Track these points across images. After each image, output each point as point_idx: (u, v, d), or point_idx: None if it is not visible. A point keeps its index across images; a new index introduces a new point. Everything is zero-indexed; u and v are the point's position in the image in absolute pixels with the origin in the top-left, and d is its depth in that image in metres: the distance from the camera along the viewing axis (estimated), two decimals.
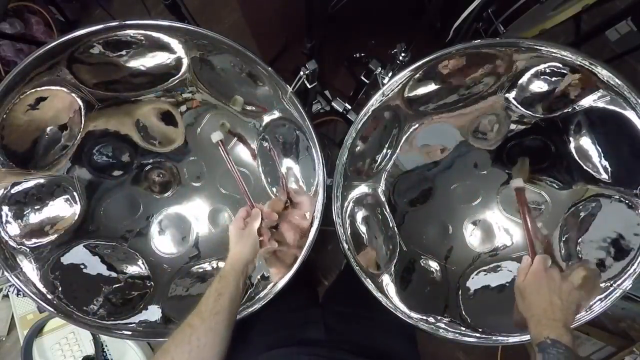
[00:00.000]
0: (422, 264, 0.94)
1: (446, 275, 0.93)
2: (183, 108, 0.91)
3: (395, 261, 0.89)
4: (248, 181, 0.97)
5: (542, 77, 0.77)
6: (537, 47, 0.69)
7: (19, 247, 0.75)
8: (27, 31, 1.49)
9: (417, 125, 0.90)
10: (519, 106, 0.83)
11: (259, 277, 0.89)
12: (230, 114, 0.91)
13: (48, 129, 0.77)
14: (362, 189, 0.92)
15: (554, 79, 0.76)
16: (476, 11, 0.91)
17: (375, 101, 0.74)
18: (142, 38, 0.73)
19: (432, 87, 0.81)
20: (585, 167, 0.81)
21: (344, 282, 1.14)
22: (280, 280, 0.80)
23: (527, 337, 0.77)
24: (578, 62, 0.68)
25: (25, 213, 0.77)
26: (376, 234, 0.92)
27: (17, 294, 1.09)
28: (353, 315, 0.86)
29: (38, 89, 0.72)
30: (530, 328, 0.63)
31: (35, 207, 0.79)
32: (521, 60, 0.74)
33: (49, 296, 0.75)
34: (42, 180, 0.79)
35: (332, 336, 0.78)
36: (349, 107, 1.35)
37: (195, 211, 0.99)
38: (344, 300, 0.95)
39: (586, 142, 0.79)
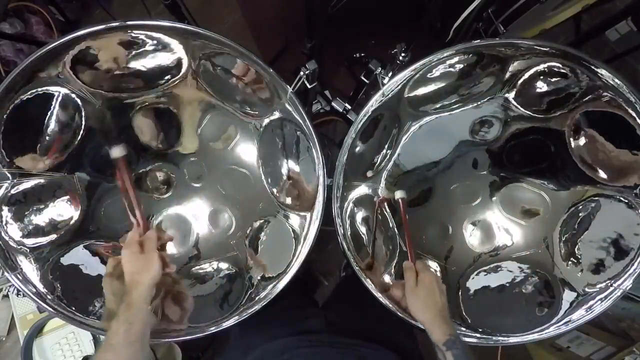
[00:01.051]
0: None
1: (446, 276, 0.93)
2: (183, 108, 0.91)
3: (395, 261, 0.89)
4: (248, 182, 0.97)
5: (541, 77, 0.77)
6: (537, 47, 0.69)
7: (19, 247, 0.75)
8: (27, 31, 1.49)
9: (417, 125, 0.90)
10: (518, 106, 0.83)
11: (259, 277, 0.89)
12: (230, 114, 0.91)
13: (49, 129, 0.77)
14: (362, 189, 0.92)
15: (553, 79, 0.76)
16: (476, 11, 0.91)
17: (375, 101, 0.74)
18: (143, 38, 0.73)
19: (432, 87, 0.81)
20: (585, 167, 0.81)
21: (343, 288, 1.14)
22: (278, 281, 0.80)
23: (527, 338, 0.77)
24: (578, 63, 0.69)
25: (25, 213, 0.77)
26: (376, 234, 0.92)
27: (17, 294, 1.09)
28: (353, 310, 0.86)
29: (38, 89, 0.72)
30: (432, 329, 0.66)
31: (36, 208, 0.78)
32: (521, 60, 0.74)
33: (49, 296, 0.74)
34: (42, 181, 0.79)
35: (333, 327, 0.78)
36: (349, 107, 1.36)
37: (196, 212, 0.99)
38: (344, 301, 0.96)
39: (586, 141, 0.79)
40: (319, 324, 0.80)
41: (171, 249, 0.95)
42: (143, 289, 0.62)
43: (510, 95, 0.82)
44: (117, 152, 0.68)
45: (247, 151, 0.96)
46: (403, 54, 0.90)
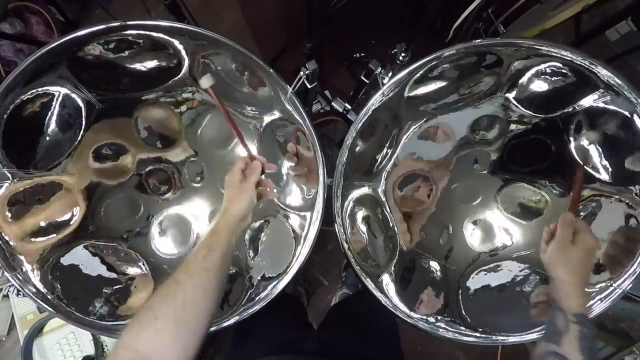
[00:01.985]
0: (422, 264, 0.94)
1: (446, 275, 0.93)
2: (183, 108, 0.91)
3: (395, 261, 0.89)
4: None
5: (542, 77, 0.77)
6: (537, 47, 0.69)
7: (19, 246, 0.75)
8: (27, 31, 1.49)
9: (417, 125, 0.90)
10: (519, 106, 0.83)
11: (259, 277, 0.89)
12: (230, 113, 0.91)
13: (49, 129, 0.77)
14: (362, 188, 0.92)
15: (553, 78, 0.76)
16: (476, 11, 0.91)
17: (375, 101, 0.74)
18: (143, 38, 0.73)
19: (432, 87, 0.81)
20: (585, 167, 0.81)
21: (338, 310, 1.15)
22: (278, 281, 0.81)
23: (527, 337, 0.77)
24: (578, 62, 0.68)
25: (25, 213, 0.77)
26: (376, 233, 0.92)
27: (17, 294, 1.09)
28: (348, 334, 0.87)
29: (39, 89, 0.72)
30: (570, 294, 0.59)
31: (36, 208, 0.79)
32: (521, 60, 0.74)
33: (49, 296, 0.74)
34: (42, 181, 0.79)
35: (325, 350, 0.78)
36: (349, 107, 1.35)
37: (196, 212, 0.99)
38: (339, 324, 0.96)
39: (586, 142, 0.79)
40: (311, 345, 0.80)
41: (171, 249, 0.95)
42: (229, 218, 0.63)
43: (511, 95, 0.82)
44: (205, 82, 0.64)
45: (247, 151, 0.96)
46: (403, 54, 0.90)
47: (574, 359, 0.52)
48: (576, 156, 0.81)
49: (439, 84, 0.81)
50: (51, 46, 0.66)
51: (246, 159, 0.70)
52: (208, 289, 0.55)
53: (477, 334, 0.79)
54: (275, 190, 0.71)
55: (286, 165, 0.92)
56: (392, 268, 0.88)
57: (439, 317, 0.83)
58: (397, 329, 0.89)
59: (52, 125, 0.77)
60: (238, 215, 0.64)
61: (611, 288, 0.73)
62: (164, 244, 0.95)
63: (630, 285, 0.72)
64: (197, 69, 0.81)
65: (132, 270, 0.88)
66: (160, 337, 0.49)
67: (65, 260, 0.80)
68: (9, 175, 0.74)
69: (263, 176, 0.71)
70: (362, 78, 1.12)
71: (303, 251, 0.82)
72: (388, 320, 0.87)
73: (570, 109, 0.78)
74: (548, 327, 0.57)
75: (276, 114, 0.87)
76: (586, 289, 0.61)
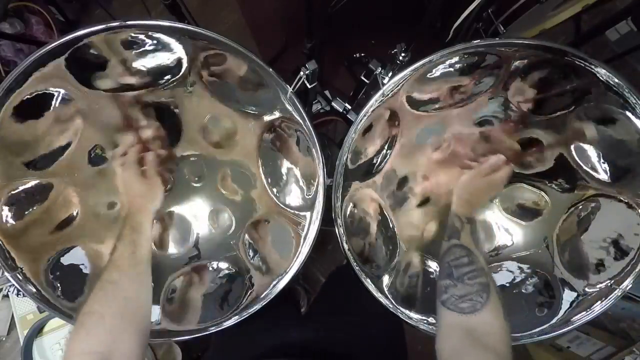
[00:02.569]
0: (422, 264, 0.94)
1: None
2: (183, 108, 0.91)
3: (395, 261, 0.89)
4: (247, 181, 0.97)
5: (541, 77, 0.77)
6: (537, 47, 0.69)
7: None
8: (27, 31, 1.50)
9: (417, 125, 0.90)
10: (519, 106, 0.83)
11: (259, 277, 0.89)
12: (230, 113, 0.91)
13: (48, 129, 0.77)
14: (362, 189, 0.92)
15: (553, 78, 0.76)
16: (476, 11, 0.91)
17: (375, 101, 0.74)
18: (143, 38, 0.73)
19: (432, 87, 0.81)
20: (585, 167, 0.81)
21: (325, 294, 1.15)
22: (278, 281, 0.81)
23: (527, 337, 0.77)
24: (578, 62, 0.68)
25: (25, 213, 0.77)
26: (376, 234, 0.92)
27: (17, 294, 1.09)
28: (334, 322, 0.87)
29: (38, 89, 0.72)
30: (463, 206, 0.76)
31: (35, 208, 0.78)
32: (521, 60, 0.74)
33: (49, 296, 0.74)
34: (42, 181, 0.79)
35: (309, 342, 0.79)
36: (349, 107, 1.35)
37: (196, 212, 0.99)
38: (326, 310, 0.96)
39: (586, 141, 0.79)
40: (298, 335, 0.80)
41: (171, 249, 0.95)
42: (148, 214, 0.65)
43: (511, 95, 0.82)
44: None
45: (247, 151, 0.96)
46: (403, 54, 0.90)
47: (469, 245, 0.67)
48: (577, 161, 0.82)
49: (439, 84, 0.81)
50: (51, 46, 0.66)
51: (137, 149, 0.71)
52: (143, 281, 0.58)
53: None
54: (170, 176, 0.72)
55: (286, 165, 0.92)
56: (392, 268, 0.88)
57: None
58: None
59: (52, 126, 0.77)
60: (153, 212, 0.66)
61: (611, 288, 0.73)
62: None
63: (630, 285, 0.72)
64: (197, 68, 0.81)
65: None
66: (113, 334, 0.50)
67: (65, 260, 0.80)
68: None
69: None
70: (362, 78, 1.12)
71: (303, 251, 0.82)
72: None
73: (569, 109, 0.78)
74: (449, 230, 0.71)
75: (276, 114, 0.87)
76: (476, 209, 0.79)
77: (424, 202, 0.99)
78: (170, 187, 0.96)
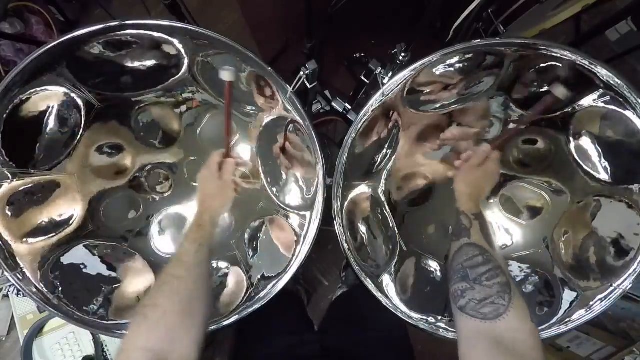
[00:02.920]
0: (422, 264, 0.94)
1: (446, 275, 0.93)
2: (183, 108, 0.91)
3: (395, 261, 0.89)
4: (245, 178, 0.97)
5: (542, 76, 0.77)
6: (537, 47, 0.69)
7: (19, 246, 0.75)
8: (27, 31, 1.49)
9: (417, 125, 0.90)
10: (519, 106, 0.83)
11: (259, 277, 0.89)
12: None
13: (48, 129, 0.77)
14: (362, 189, 0.92)
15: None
16: (476, 11, 0.91)
17: (375, 101, 0.74)
18: (143, 38, 0.73)
19: (432, 87, 0.81)
20: (585, 167, 0.81)
21: (338, 307, 1.15)
22: (278, 280, 0.81)
23: None
24: (578, 62, 0.68)
25: (25, 213, 0.77)
26: (376, 233, 0.92)
27: (17, 294, 1.09)
28: (350, 334, 0.87)
29: (38, 89, 0.72)
30: (466, 202, 0.72)
31: (36, 207, 0.78)
32: (521, 60, 0.74)
33: (49, 296, 0.74)
34: (42, 181, 0.79)
35: (327, 352, 0.79)
36: (349, 107, 1.35)
37: (196, 211, 0.99)
38: (340, 322, 0.96)
39: (586, 142, 0.79)
40: (313, 350, 0.80)
41: (171, 248, 0.95)
42: (215, 215, 0.66)
43: (511, 95, 0.82)
44: (226, 75, 0.66)
45: (247, 151, 0.96)
46: (403, 54, 0.90)
47: (481, 242, 0.62)
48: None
49: (439, 83, 0.81)
50: (51, 46, 0.66)
51: (221, 153, 0.73)
52: (205, 281, 0.58)
53: None
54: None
55: (285, 164, 0.92)
56: (392, 268, 0.88)
57: (439, 318, 0.83)
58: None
59: (52, 125, 0.77)
60: (221, 211, 0.67)
61: (611, 288, 0.73)
62: (163, 243, 0.95)
63: (630, 285, 0.72)
64: (196, 68, 0.81)
65: None
66: (172, 333, 0.49)
67: (66, 259, 0.80)
68: (9, 174, 0.74)
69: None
70: (362, 78, 1.12)
71: (303, 251, 0.82)
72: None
73: (570, 109, 0.78)
74: (457, 229, 0.67)
75: (276, 114, 0.87)
76: (480, 201, 0.74)
77: (425, 201, 0.99)
78: (171, 193, 0.97)
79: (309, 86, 0.85)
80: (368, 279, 0.79)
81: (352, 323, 0.93)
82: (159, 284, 0.54)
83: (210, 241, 0.62)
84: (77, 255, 0.82)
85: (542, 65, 0.74)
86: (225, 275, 0.92)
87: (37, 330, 1.03)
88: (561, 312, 0.78)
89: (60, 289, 0.76)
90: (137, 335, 0.48)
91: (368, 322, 0.89)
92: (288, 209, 0.91)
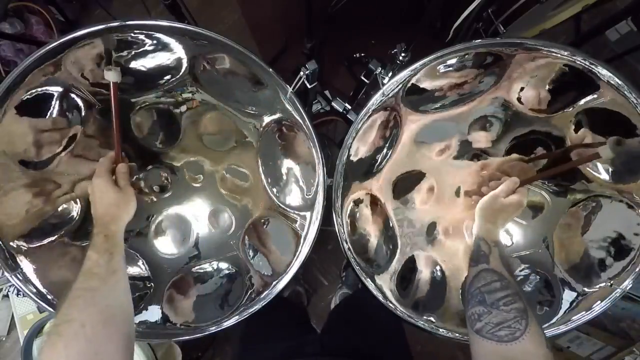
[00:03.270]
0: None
1: (446, 275, 0.93)
2: (183, 108, 0.91)
3: (395, 261, 0.89)
4: (245, 179, 0.97)
5: (542, 76, 0.77)
6: (537, 47, 0.69)
7: (18, 247, 0.75)
8: (27, 31, 1.50)
9: (417, 124, 0.90)
10: (519, 106, 0.83)
11: (259, 277, 0.89)
12: (230, 113, 0.91)
13: (48, 129, 0.77)
14: (362, 189, 0.92)
15: (553, 78, 0.76)
16: (476, 11, 0.91)
17: (375, 101, 0.74)
18: (143, 38, 0.73)
19: (432, 86, 0.81)
20: (585, 167, 0.81)
21: (340, 312, 1.15)
22: (278, 281, 0.81)
23: None
24: (578, 62, 0.68)
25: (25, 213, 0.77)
26: (376, 233, 0.92)
27: (17, 294, 1.09)
28: (351, 334, 0.87)
29: (38, 89, 0.72)
30: (487, 229, 0.73)
31: (35, 207, 0.78)
32: (521, 60, 0.74)
33: (49, 296, 0.74)
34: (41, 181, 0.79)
35: (328, 351, 0.80)
36: (349, 107, 1.35)
37: (196, 211, 0.99)
38: (342, 325, 0.97)
39: (586, 141, 0.79)
40: (314, 349, 0.80)
41: (171, 249, 0.95)
42: (122, 224, 0.64)
43: (511, 95, 0.82)
44: (111, 75, 0.64)
45: (247, 151, 0.96)
46: (403, 54, 0.90)
47: (499, 269, 0.63)
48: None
49: (439, 84, 0.81)
50: (51, 46, 0.66)
51: (110, 158, 0.71)
52: (124, 289, 0.57)
53: None
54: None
55: (286, 165, 0.92)
56: (392, 268, 0.88)
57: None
58: (402, 322, 0.90)
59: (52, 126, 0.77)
60: (127, 217, 0.66)
61: (611, 288, 0.73)
62: (163, 244, 0.95)
63: (630, 285, 0.72)
64: (197, 68, 0.81)
65: (131, 270, 0.89)
66: (94, 344, 0.47)
67: None
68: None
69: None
70: (362, 78, 1.12)
71: (303, 251, 0.82)
72: (390, 316, 0.88)
73: (570, 109, 0.78)
74: (475, 254, 0.68)
75: (276, 114, 0.87)
76: (499, 231, 0.74)
77: (428, 200, 0.99)
78: (171, 193, 0.97)
79: (309, 86, 0.85)
80: (368, 279, 0.79)
81: (353, 323, 0.93)
82: (69, 300, 0.51)
83: (122, 250, 0.61)
84: (78, 255, 0.82)
85: (542, 64, 0.74)
86: (226, 275, 0.92)
87: (37, 330, 1.03)
88: (561, 312, 0.78)
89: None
90: (53, 356, 0.45)
91: (369, 324, 0.90)
92: (288, 209, 0.92)
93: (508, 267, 0.64)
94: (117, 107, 0.70)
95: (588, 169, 0.80)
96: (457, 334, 0.80)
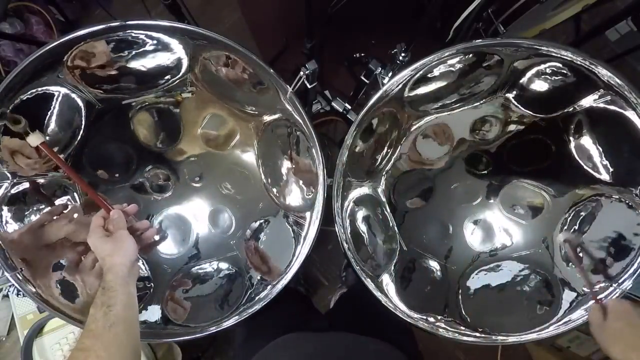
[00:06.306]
0: (423, 264, 0.94)
1: (446, 275, 0.93)
2: (183, 108, 0.91)
3: (395, 261, 0.89)
4: (248, 182, 0.97)
5: (542, 76, 0.77)
6: (537, 47, 0.69)
7: None
8: (27, 31, 1.50)
9: (417, 125, 0.90)
10: (519, 106, 0.83)
11: (259, 277, 0.89)
12: (230, 113, 0.91)
13: (49, 129, 0.77)
14: (362, 188, 0.92)
15: (553, 78, 0.76)
16: (476, 11, 0.91)
17: (375, 101, 0.74)
18: (143, 38, 0.73)
19: (432, 87, 0.81)
20: (585, 167, 0.81)
21: (344, 301, 1.15)
22: (276, 280, 0.81)
23: (527, 337, 0.77)
24: (578, 62, 0.68)
25: (25, 213, 0.77)
26: (376, 233, 0.92)
27: (17, 294, 1.09)
28: (357, 317, 0.86)
29: (38, 89, 0.72)
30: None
31: (36, 208, 0.78)
32: (521, 60, 0.74)
33: (49, 296, 0.74)
34: (42, 181, 0.79)
35: (336, 327, 0.79)
36: (349, 107, 1.35)
37: (196, 211, 0.99)
38: (347, 310, 0.96)
39: (587, 141, 0.79)
40: (320, 325, 0.80)
41: (171, 249, 0.95)
42: (118, 270, 0.60)
43: (511, 95, 0.82)
44: (34, 140, 0.63)
45: (247, 151, 0.96)
46: (403, 54, 0.90)
47: None
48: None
49: (439, 84, 0.81)
50: (51, 46, 0.66)
51: (101, 214, 0.68)
52: (121, 343, 0.54)
53: (477, 334, 0.79)
54: (156, 236, 0.73)
55: (286, 165, 0.92)
56: (392, 268, 0.88)
57: (439, 317, 0.83)
58: None
59: (52, 125, 0.77)
60: (125, 266, 0.61)
61: (611, 288, 0.73)
62: (164, 244, 0.95)
63: (630, 285, 0.72)
64: (197, 68, 0.81)
65: None
66: None
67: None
68: (9, 175, 0.74)
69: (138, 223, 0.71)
70: (362, 78, 1.12)
71: (303, 251, 0.82)
72: None
73: (570, 109, 0.78)
74: None
75: (276, 114, 0.87)
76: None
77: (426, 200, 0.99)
78: (171, 193, 0.96)
79: (309, 86, 0.85)
80: (368, 279, 0.79)
81: (359, 307, 0.93)
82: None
83: (123, 299, 0.58)
84: None
85: (542, 65, 0.74)
86: (226, 276, 0.92)
87: (37, 330, 1.03)
88: (561, 312, 0.78)
89: (59, 289, 0.76)
90: None
91: (375, 308, 0.89)
92: (288, 210, 0.92)
93: None
94: (65, 164, 0.69)
95: (588, 169, 0.80)
96: (457, 334, 0.80)
